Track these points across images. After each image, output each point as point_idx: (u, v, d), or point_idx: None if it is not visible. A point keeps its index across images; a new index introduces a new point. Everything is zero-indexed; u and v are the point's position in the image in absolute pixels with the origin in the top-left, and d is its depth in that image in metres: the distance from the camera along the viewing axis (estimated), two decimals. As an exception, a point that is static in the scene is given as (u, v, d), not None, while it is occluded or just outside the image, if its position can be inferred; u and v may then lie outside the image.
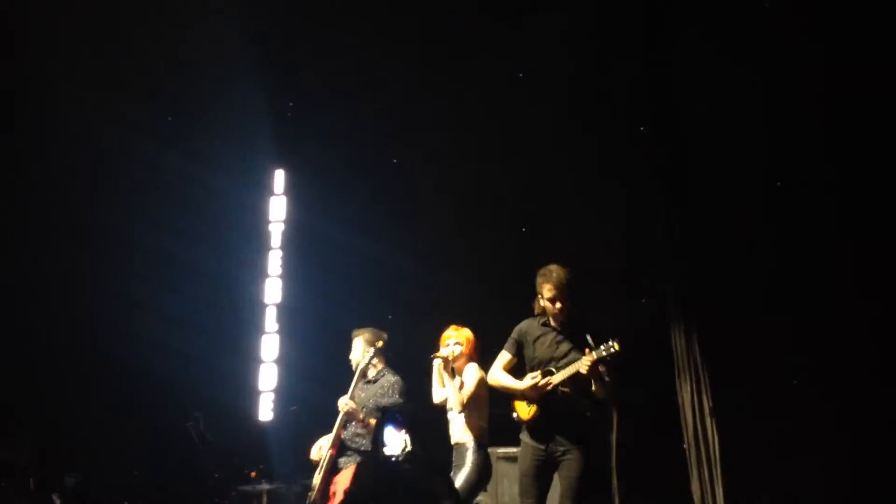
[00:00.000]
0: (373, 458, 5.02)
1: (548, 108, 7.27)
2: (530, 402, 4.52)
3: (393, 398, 5.09)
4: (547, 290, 4.52)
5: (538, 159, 7.31)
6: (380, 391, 5.15)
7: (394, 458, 4.63)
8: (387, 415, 4.89)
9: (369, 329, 5.35)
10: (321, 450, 5.11)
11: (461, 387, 4.92)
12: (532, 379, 4.48)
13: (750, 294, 6.30)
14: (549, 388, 4.42)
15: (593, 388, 4.36)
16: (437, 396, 5.09)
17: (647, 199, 6.67)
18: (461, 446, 4.86)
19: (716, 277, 6.36)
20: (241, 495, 6.96)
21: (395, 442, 4.68)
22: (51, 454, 6.62)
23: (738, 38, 6.62)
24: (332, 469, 5.01)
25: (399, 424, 4.71)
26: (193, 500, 7.03)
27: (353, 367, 5.20)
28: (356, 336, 5.34)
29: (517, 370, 4.66)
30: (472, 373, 4.99)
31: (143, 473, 6.94)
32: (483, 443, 4.87)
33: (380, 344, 5.22)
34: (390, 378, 5.20)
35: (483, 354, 5.04)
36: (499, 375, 4.69)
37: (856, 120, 6.20)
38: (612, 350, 4.24)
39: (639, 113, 6.93)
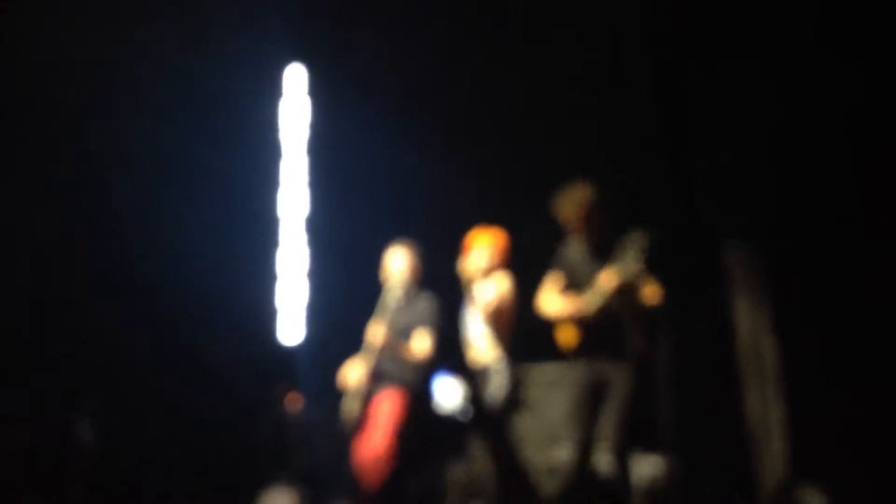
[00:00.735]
0: (418, 396, 4.71)
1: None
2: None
3: (428, 320, 4.73)
4: (560, 213, 4.36)
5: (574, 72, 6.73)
6: (415, 313, 4.77)
7: (452, 413, 4.43)
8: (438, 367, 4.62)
9: (415, 247, 4.95)
10: (351, 376, 4.76)
11: (497, 298, 4.54)
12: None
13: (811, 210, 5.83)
14: (592, 316, 4.19)
15: (633, 303, 4.17)
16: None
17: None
18: (485, 366, 4.51)
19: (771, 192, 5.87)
20: (273, 418, 6.80)
21: (450, 393, 4.44)
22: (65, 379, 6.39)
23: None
24: (367, 397, 4.68)
25: (452, 374, 4.44)
26: (224, 423, 6.85)
27: (391, 283, 4.80)
28: (405, 249, 4.91)
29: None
30: (501, 281, 4.60)
31: (168, 401, 6.70)
32: (510, 359, 4.51)
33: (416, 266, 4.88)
34: (424, 300, 4.82)
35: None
36: (556, 303, 4.37)
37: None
38: (631, 257, 4.09)
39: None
